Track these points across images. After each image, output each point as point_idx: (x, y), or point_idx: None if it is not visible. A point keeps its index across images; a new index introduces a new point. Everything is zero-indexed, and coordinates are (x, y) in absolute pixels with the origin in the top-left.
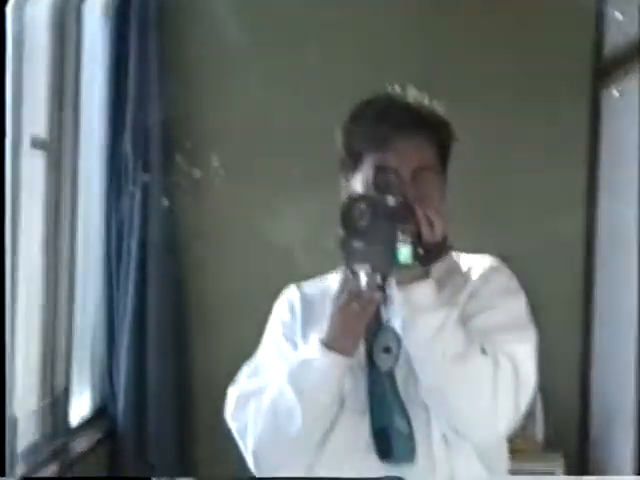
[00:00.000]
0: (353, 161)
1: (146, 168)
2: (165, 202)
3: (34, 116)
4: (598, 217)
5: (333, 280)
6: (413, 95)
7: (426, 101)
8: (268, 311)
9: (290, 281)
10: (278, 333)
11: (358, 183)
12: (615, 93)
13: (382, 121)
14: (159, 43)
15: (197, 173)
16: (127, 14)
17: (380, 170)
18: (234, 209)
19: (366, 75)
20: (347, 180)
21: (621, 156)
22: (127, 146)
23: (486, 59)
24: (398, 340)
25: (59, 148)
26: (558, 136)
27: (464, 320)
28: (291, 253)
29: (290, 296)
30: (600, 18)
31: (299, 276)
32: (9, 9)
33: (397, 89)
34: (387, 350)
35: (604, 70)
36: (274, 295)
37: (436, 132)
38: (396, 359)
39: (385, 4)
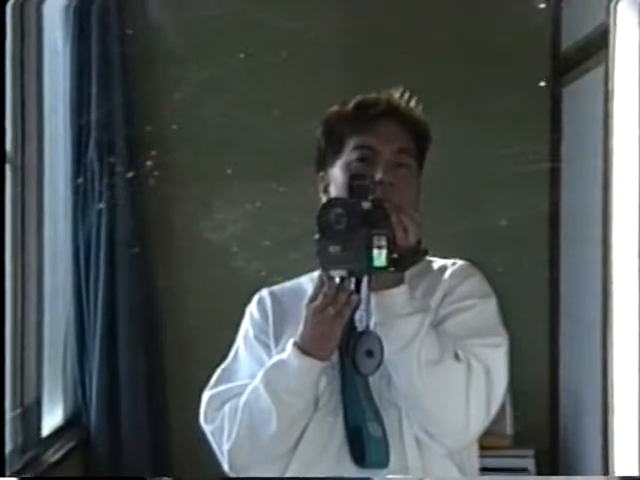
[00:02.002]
0: (334, 148)
1: (112, 175)
2: (131, 210)
3: None
4: (561, 212)
5: (305, 282)
6: (393, 95)
7: (400, 97)
8: (227, 311)
9: (230, 278)
10: (250, 335)
11: (338, 170)
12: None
13: (365, 108)
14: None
15: (130, 174)
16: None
17: (362, 150)
18: (170, 209)
19: (307, 79)
20: (325, 171)
21: (582, 146)
22: (92, 154)
23: (449, 60)
24: (381, 344)
25: (23, 160)
26: (521, 131)
27: (437, 323)
28: (229, 251)
29: (262, 298)
30: (557, 16)
31: (239, 273)
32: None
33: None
34: (370, 354)
35: (563, 66)
36: (223, 294)
37: (416, 125)
38: (379, 363)
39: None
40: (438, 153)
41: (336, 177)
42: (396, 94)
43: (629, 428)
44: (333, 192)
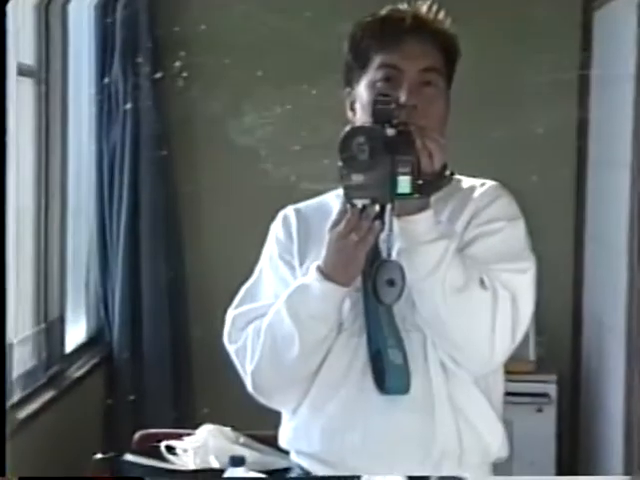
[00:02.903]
0: (359, 64)
1: (136, 91)
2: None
3: (20, 44)
4: (590, 133)
5: (331, 199)
6: (420, 9)
7: (428, 11)
8: (254, 218)
9: (259, 183)
10: (274, 254)
11: (363, 88)
12: None
13: (392, 23)
14: None
15: (158, 74)
16: None
17: (386, 69)
18: (197, 112)
19: None
20: (351, 87)
21: (613, 67)
22: (117, 68)
23: None
24: (402, 273)
25: (47, 74)
26: (552, 43)
27: (463, 246)
28: (256, 154)
29: (287, 216)
30: None
31: (268, 178)
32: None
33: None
34: (391, 283)
35: None
36: (252, 199)
37: (444, 40)
38: (401, 292)
39: None
40: (467, 65)
41: (361, 95)
42: (424, 7)
43: None
44: (359, 110)
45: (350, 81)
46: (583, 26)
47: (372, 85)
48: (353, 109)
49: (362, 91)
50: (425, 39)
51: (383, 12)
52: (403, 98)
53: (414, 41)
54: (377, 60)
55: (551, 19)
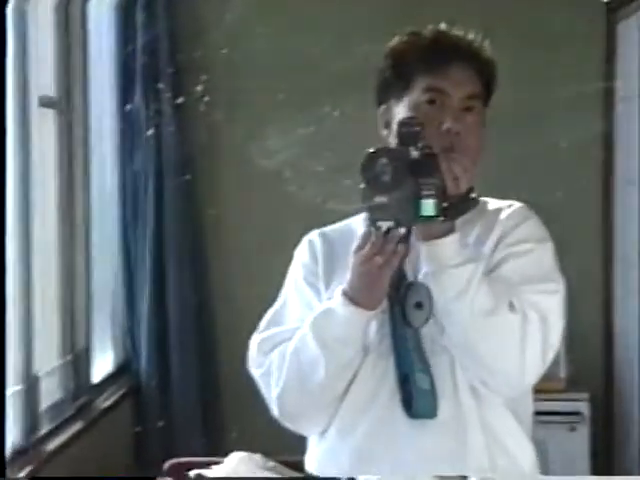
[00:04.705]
0: (402, 83)
1: (158, 117)
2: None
3: (42, 76)
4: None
5: (355, 223)
6: (466, 35)
7: (473, 38)
8: (280, 240)
9: (283, 205)
10: (300, 278)
11: (404, 108)
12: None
13: (438, 47)
14: None
15: (180, 100)
16: None
17: (433, 93)
18: (220, 135)
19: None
20: (387, 104)
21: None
22: (138, 97)
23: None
24: (430, 296)
25: (69, 105)
26: (574, 72)
27: (491, 268)
28: (280, 177)
29: (312, 240)
30: None
31: (290, 200)
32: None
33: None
34: (419, 306)
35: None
36: (275, 226)
37: (487, 68)
38: (429, 315)
39: None
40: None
41: (401, 114)
42: (469, 34)
43: None
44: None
45: (387, 99)
46: (607, 37)
47: (416, 106)
48: (389, 127)
49: (403, 111)
50: (471, 66)
51: (428, 34)
52: (447, 125)
53: (461, 67)
54: (423, 82)
55: (574, 31)
